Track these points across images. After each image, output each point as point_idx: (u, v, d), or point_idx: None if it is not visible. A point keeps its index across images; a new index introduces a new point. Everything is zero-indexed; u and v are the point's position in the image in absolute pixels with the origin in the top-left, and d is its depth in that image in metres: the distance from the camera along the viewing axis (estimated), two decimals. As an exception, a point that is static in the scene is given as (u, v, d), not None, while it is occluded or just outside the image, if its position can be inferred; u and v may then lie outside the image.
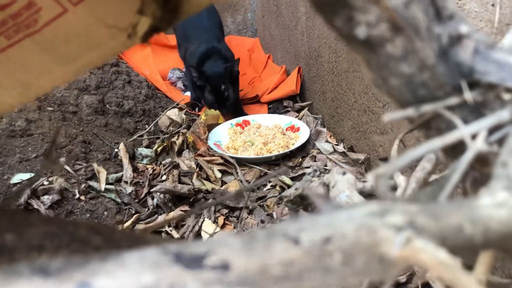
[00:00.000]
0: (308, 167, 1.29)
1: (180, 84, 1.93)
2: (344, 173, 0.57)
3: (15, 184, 1.03)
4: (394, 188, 0.57)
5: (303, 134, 1.44)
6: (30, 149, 1.12)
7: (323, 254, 0.17)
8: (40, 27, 0.35)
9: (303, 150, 1.40)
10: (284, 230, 0.18)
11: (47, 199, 1.03)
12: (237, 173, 1.31)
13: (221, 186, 1.27)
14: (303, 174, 1.28)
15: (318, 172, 0.81)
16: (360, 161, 1.25)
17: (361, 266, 0.18)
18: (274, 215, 1.15)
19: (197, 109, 1.71)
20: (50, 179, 1.08)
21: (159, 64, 1.89)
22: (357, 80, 1.25)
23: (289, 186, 1.24)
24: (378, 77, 0.25)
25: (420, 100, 0.25)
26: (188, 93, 1.84)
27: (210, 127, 1.50)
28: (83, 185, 1.11)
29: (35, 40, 0.36)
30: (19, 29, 0.36)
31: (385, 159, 1.17)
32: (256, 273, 0.16)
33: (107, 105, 1.39)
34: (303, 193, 0.66)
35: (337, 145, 1.40)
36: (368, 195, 0.56)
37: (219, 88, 1.56)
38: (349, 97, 1.33)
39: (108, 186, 1.13)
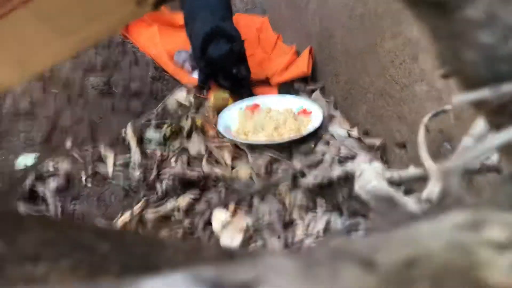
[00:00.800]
0: (321, 153, 1.25)
1: (187, 66, 1.88)
2: (370, 161, 0.53)
3: (20, 168, 1.00)
4: (424, 178, 0.53)
5: (316, 118, 1.39)
6: (34, 131, 1.09)
7: (405, 281, 0.13)
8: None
9: (315, 135, 1.35)
10: (353, 251, 0.14)
11: (52, 183, 1.00)
12: (247, 158, 1.27)
13: (231, 171, 1.23)
14: (317, 161, 1.24)
15: (337, 157, 0.77)
16: (375, 147, 1.20)
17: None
18: (287, 202, 1.11)
19: (204, 91, 1.66)
20: (55, 162, 1.04)
21: (166, 44, 1.83)
22: (373, 62, 1.20)
23: (302, 173, 1.20)
24: (448, 50, 0.21)
25: (499, 78, 0.21)
26: (195, 75, 1.78)
27: (219, 110, 1.45)
28: (89, 169, 1.08)
29: (30, 8, 0.32)
30: (13, -3, 0.31)
31: (402, 145, 1.12)
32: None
33: (113, 87, 1.34)
34: (322, 182, 0.62)
35: (350, 130, 1.35)
36: (397, 185, 0.52)
37: (231, 72, 1.50)
38: (364, 80, 1.27)
39: (116, 171, 1.10)
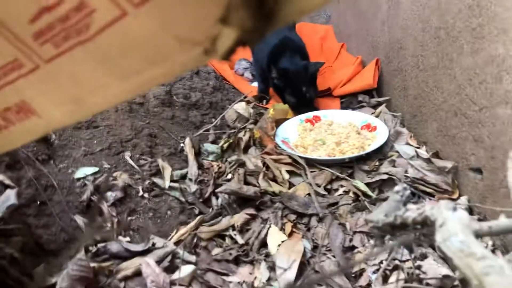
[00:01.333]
0: (387, 173, 1.17)
1: (247, 74, 1.86)
2: (454, 209, 0.46)
3: (79, 179, 1.00)
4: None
5: (381, 135, 1.31)
6: (95, 142, 1.10)
7: None
8: (93, 34, 0.28)
9: (380, 152, 1.27)
10: None
11: (110, 196, 0.99)
12: (306, 174, 1.22)
13: (289, 188, 1.19)
14: (381, 180, 1.17)
15: (409, 191, 0.70)
16: (446, 170, 1.11)
17: None
18: (347, 226, 1.05)
19: (264, 101, 1.62)
20: (114, 174, 1.04)
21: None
22: (447, 78, 1.11)
23: (363, 193, 1.13)
24: None
25: None
26: (255, 84, 1.76)
27: (278, 122, 1.41)
28: (147, 182, 1.07)
29: (87, 49, 0.29)
30: (69, 35, 0.28)
31: (477, 170, 1.02)
32: None
33: (174, 97, 1.34)
34: (395, 223, 0.55)
35: (418, 148, 1.26)
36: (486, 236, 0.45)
37: (300, 89, 1.47)
38: (436, 96, 1.18)
39: (173, 184, 1.08)
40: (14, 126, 0.37)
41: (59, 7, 0.26)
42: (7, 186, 0.82)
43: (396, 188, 0.72)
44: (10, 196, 0.76)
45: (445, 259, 0.90)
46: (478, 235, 0.45)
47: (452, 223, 0.44)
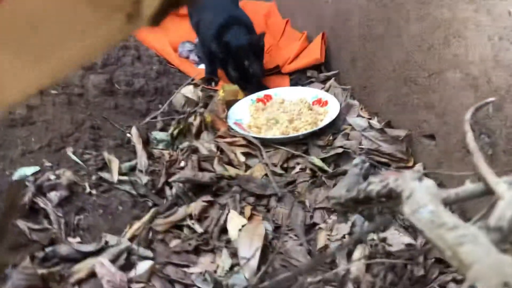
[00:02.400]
0: (341, 146, 1.16)
1: (193, 57, 1.78)
2: (420, 179, 0.44)
3: (19, 183, 0.92)
4: (488, 193, 0.45)
5: (332, 109, 1.29)
6: (33, 139, 1.01)
7: None
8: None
9: (333, 126, 1.26)
10: None
11: (54, 195, 0.92)
12: (262, 155, 1.19)
13: (246, 170, 1.15)
14: (336, 154, 1.15)
15: (368, 164, 0.68)
16: (400, 138, 1.11)
17: None
18: (307, 203, 1.03)
19: (213, 83, 1.56)
20: (57, 172, 0.97)
21: (169, 36, 1.74)
22: (396, 46, 1.10)
23: (320, 169, 1.12)
24: None
25: None
26: (202, 66, 1.69)
27: (229, 104, 1.37)
28: (93, 177, 1.00)
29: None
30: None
31: (430, 136, 1.03)
32: None
33: (116, 85, 1.26)
34: (358, 197, 0.53)
35: (370, 119, 1.26)
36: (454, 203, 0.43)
37: (242, 64, 1.42)
38: (385, 65, 1.18)
39: (122, 177, 1.02)
40: None
41: None
42: None
43: (355, 161, 0.70)
44: None
45: (407, 228, 0.90)
46: (447, 203, 0.43)
47: (420, 193, 0.42)
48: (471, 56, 0.83)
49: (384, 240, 0.83)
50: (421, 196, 0.42)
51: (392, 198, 0.47)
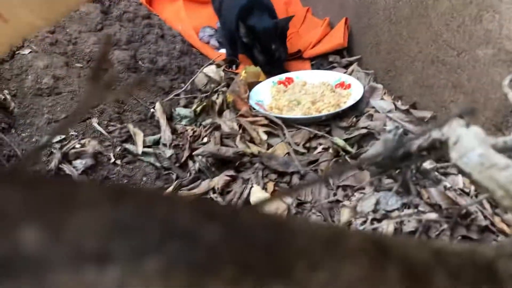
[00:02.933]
0: (365, 127, 1.15)
1: (213, 41, 1.79)
2: (468, 125, 0.44)
3: (46, 150, 0.93)
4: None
5: (356, 91, 1.29)
6: (59, 108, 1.02)
7: None
8: None
9: (356, 109, 1.25)
10: None
11: (80, 163, 0.93)
12: (284, 134, 1.18)
13: (267, 149, 1.15)
14: (359, 136, 1.14)
15: (401, 130, 0.67)
16: (426, 120, 1.10)
17: None
18: (330, 181, 1.02)
19: (234, 66, 1.57)
20: (82, 141, 0.97)
21: (192, 19, 1.75)
22: (423, 26, 1.09)
23: (343, 149, 1.11)
24: None
25: None
26: (223, 50, 1.69)
27: (250, 86, 1.36)
28: (118, 148, 1.00)
29: None
30: None
31: (458, 116, 1.02)
32: None
33: (140, 61, 1.26)
34: (396, 154, 0.52)
35: (395, 102, 1.25)
36: (503, 152, 0.43)
37: (269, 47, 1.42)
38: (411, 47, 1.16)
39: (146, 149, 1.02)
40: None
41: None
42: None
43: (388, 127, 0.69)
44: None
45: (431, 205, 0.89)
46: (495, 149, 0.42)
47: (468, 138, 0.42)
48: (505, 30, 0.82)
49: (410, 215, 0.82)
50: (469, 141, 0.41)
51: (435, 149, 0.47)
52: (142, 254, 0.10)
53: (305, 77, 1.43)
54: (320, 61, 1.60)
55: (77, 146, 0.95)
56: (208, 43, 1.79)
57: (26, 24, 0.31)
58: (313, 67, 1.59)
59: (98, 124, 1.03)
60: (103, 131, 1.02)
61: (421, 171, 0.64)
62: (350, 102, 1.24)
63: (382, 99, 1.28)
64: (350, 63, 1.50)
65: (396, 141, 0.65)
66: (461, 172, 0.41)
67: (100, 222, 0.10)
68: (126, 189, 0.12)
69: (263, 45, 1.43)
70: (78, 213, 0.10)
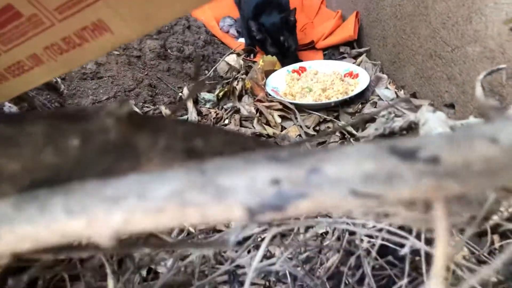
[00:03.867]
0: (369, 114, 1.29)
1: (233, 31, 1.93)
2: (434, 111, 0.58)
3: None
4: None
5: (363, 81, 1.42)
6: (101, 91, 1.17)
7: (517, 152, 0.19)
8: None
9: (362, 96, 1.39)
10: (481, 131, 0.19)
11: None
12: (296, 118, 1.33)
13: (281, 131, 1.29)
14: (364, 121, 1.28)
15: (393, 114, 0.81)
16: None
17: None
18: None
19: (252, 55, 1.71)
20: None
21: (214, 10, 1.88)
22: (423, 24, 1.22)
23: (349, 133, 1.25)
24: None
25: None
26: (242, 39, 1.83)
27: (267, 73, 1.50)
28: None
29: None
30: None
31: (451, 105, 1.15)
32: (461, 167, 0.18)
33: (169, 50, 1.41)
34: (384, 133, 0.67)
35: (397, 91, 1.38)
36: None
37: (278, 39, 1.56)
38: (413, 42, 1.29)
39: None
40: (88, 43, 0.46)
41: None
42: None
43: (382, 112, 0.83)
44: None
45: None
46: (453, 129, 0.56)
47: (433, 120, 0.56)
48: (489, 30, 0.94)
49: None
50: (433, 122, 0.55)
51: (411, 129, 0.61)
52: (234, 154, 0.24)
53: (317, 66, 1.56)
54: (332, 52, 1.73)
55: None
56: (228, 32, 1.93)
57: (124, 37, 0.46)
58: (325, 57, 1.72)
59: (135, 105, 1.18)
60: (139, 112, 1.17)
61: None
62: (357, 90, 1.38)
63: (387, 88, 1.42)
64: (359, 54, 1.63)
65: (386, 122, 0.79)
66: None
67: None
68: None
69: (273, 38, 1.57)
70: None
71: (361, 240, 0.68)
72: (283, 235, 0.66)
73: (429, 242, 0.50)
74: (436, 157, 0.18)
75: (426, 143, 0.18)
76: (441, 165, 0.18)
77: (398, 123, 0.65)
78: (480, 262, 0.81)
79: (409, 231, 0.49)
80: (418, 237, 0.50)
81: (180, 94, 1.30)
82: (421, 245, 0.48)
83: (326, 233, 0.85)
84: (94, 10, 0.43)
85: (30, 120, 0.19)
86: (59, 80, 1.13)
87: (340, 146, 0.19)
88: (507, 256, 0.22)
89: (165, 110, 1.20)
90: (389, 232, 0.50)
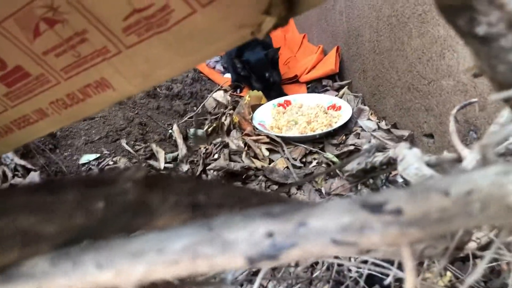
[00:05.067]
0: (353, 144, 1.34)
1: (219, 67, 1.99)
2: (410, 147, 0.62)
3: (83, 164, 1.11)
4: (458, 160, 0.62)
5: (345, 113, 1.48)
6: (93, 131, 1.21)
7: (467, 203, 0.23)
8: (169, 27, 0.41)
9: (345, 128, 1.45)
10: (436, 185, 0.24)
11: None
12: (283, 151, 1.37)
13: (269, 163, 1.34)
14: (348, 151, 1.33)
15: (375, 148, 0.86)
16: (404, 137, 1.29)
17: (493, 213, 0.23)
18: (323, 191, 1.21)
19: (238, 90, 1.76)
20: (114, 159, 1.16)
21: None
22: (401, 59, 1.28)
23: (334, 163, 1.30)
24: (486, 65, 0.30)
25: (520, 82, 0.30)
26: (228, 75, 1.89)
27: (253, 108, 1.56)
28: (144, 165, 1.19)
29: (162, 37, 0.42)
30: (150, 28, 0.41)
31: (430, 135, 1.21)
32: (420, 217, 0.22)
33: (158, 89, 1.46)
34: (366, 168, 0.71)
35: (379, 122, 1.44)
36: (434, 166, 0.61)
37: (263, 76, 1.62)
38: (392, 75, 1.36)
39: (167, 165, 1.21)
40: (91, 98, 0.50)
41: (149, 8, 0.40)
42: (29, 170, 0.92)
43: (365, 146, 0.88)
44: (35, 177, 0.87)
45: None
46: (429, 164, 0.61)
47: (409, 157, 0.60)
48: (461, 66, 1.01)
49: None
50: (410, 158, 0.60)
51: (390, 164, 0.66)
52: (233, 206, 0.28)
53: (301, 100, 1.62)
54: (315, 85, 1.80)
55: (110, 163, 1.14)
56: (214, 68, 1.99)
57: (126, 93, 0.50)
58: (309, 90, 1.79)
59: (126, 143, 1.21)
60: (131, 150, 1.20)
61: (390, 180, 0.83)
62: (340, 122, 1.44)
63: (368, 119, 1.48)
64: (341, 87, 1.70)
65: (369, 156, 0.84)
66: (404, 180, 0.60)
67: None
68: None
69: (258, 75, 1.63)
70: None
71: (349, 270, 0.72)
72: (274, 268, 0.69)
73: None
74: (399, 209, 0.22)
75: (391, 197, 0.23)
76: (404, 216, 0.22)
77: (379, 158, 0.69)
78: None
79: (392, 262, 0.53)
80: (400, 267, 0.54)
81: (170, 131, 1.34)
82: (403, 275, 0.52)
83: (316, 263, 0.89)
84: (97, 69, 0.47)
85: (63, 187, 0.22)
86: (52, 122, 1.16)
87: (322, 203, 0.23)
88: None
89: (156, 148, 1.23)
90: (373, 263, 0.53)
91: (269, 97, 1.64)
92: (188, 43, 0.43)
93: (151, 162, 1.21)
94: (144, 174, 0.25)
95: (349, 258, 0.62)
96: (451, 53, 1.04)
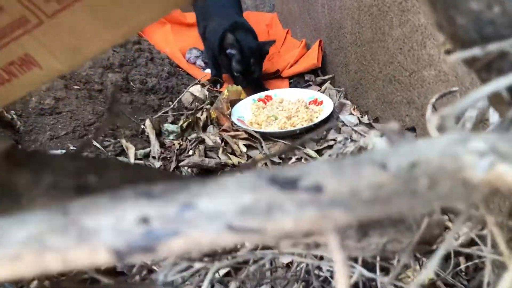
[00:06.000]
0: (334, 139, 1.29)
1: (199, 62, 1.93)
2: (381, 135, 0.58)
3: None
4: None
5: (327, 107, 1.43)
6: (59, 126, 1.14)
7: (410, 179, 0.18)
8: (90, -11, 0.36)
9: (327, 123, 1.40)
10: (370, 157, 0.18)
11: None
12: (262, 147, 1.32)
13: (247, 160, 1.28)
14: (328, 146, 1.28)
15: (349, 140, 0.81)
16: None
17: (446, 190, 0.18)
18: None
19: (218, 85, 1.71)
20: (81, 155, 1.10)
21: (178, 42, 1.89)
22: (382, 50, 1.24)
23: (314, 159, 1.25)
24: (444, 18, 0.25)
25: (485, 39, 0.25)
26: (208, 70, 1.84)
27: (232, 103, 1.50)
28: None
29: (85, 3, 0.37)
30: (70, -9, 0.36)
31: (412, 129, 1.16)
32: (347, 196, 0.17)
33: (131, 83, 1.40)
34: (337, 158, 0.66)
35: (361, 117, 1.39)
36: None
37: (248, 61, 1.57)
38: (373, 68, 1.31)
39: (137, 162, 1.15)
40: (17, 78, 0.44)
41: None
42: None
43: (339, 138, 0.83)
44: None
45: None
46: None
47: (380, 144, 0.55)
48: (442, 54, 0.96)
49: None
50: (380, 146, 0.55)
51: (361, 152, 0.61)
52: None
53: (282, 94, 1.57)
54: (297, 80, 1.75)
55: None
56: (194, 63, 1.93)
57: (54, 71, 0.44)
58: (291, 85, 1.74)
59: (94, 139, 1.15)
60: (99, 146, 1.14)
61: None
62: (321, 117, 1.39)
63: (351, 113, 1.43)
64: (323, 81, 1.65)
65: (341, 148, 0.79)
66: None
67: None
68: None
69: (243, 57, 1.57)
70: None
71: (319, 269, 0.67)
72: (237, 269, 0.63)
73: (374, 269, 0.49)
74: (318, 186, 0.17)
75: (309, 171, 0.17)
76: (325, 194, 0.17)
77: (350, 148, 0.64)
78: (446, 285, 0.80)
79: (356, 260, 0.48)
80: (367, 265, 0.49)
81: (142, 126, 1.28)
82: (369, 274, 0.47)
83: (292, 262, 0.84)
84: (20, 44, 0.41)
85: None
86: (15, 117, 1.10)
87: (218, 178, 0.18)
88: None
89: (126, 144, 1.18)
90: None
91: (244, 86, 1.58)
92: (115, 10, 0.37)
93: (121, 158, 1.15)
94: (7, 147, 0.20)
95: (315, 257, 0.57)
96: (432, 41, 1.00)
